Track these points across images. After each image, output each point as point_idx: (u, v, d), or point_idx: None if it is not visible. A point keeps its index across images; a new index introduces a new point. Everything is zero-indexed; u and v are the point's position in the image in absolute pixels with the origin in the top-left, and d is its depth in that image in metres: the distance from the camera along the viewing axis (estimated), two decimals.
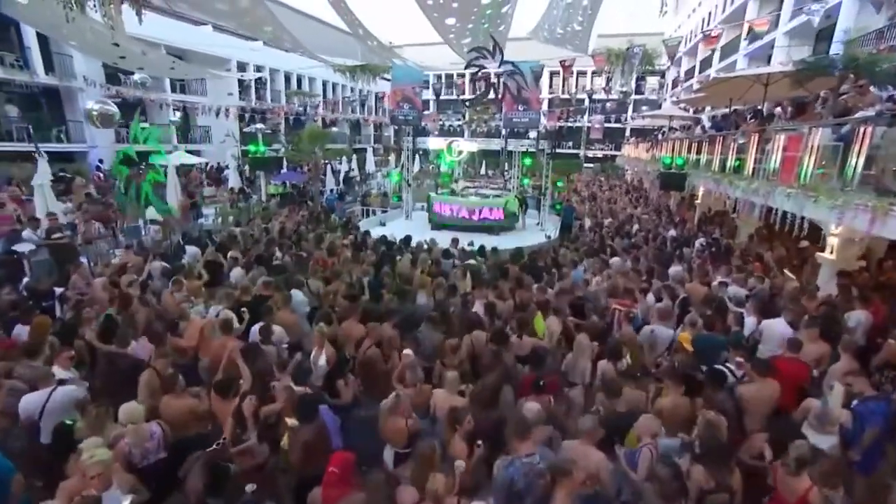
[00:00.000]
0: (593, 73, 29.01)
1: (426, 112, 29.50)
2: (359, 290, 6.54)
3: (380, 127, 40.34)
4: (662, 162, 10.86)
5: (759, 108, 10.21)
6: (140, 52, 9.04)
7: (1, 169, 13.99)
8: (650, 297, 6.50)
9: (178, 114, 23.26)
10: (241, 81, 24.78)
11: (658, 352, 5.21)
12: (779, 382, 4.39)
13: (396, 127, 16.36)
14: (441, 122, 22.01)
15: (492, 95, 11.77)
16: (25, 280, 7.44)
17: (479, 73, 10.64)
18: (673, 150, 14.62)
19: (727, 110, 14.39)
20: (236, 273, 7.11)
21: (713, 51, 19.93)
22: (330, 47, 21.13)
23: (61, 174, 15.54)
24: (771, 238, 9.38)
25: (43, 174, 13.48)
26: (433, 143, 12.40)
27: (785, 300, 6.26)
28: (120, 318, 5.46)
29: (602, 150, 38.26)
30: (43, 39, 16.12)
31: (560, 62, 16.35)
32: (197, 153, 22.31)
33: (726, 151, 9.93)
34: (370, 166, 26.82)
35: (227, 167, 17.97)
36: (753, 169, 7.98)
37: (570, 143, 39.22)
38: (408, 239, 9.30)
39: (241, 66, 24.86)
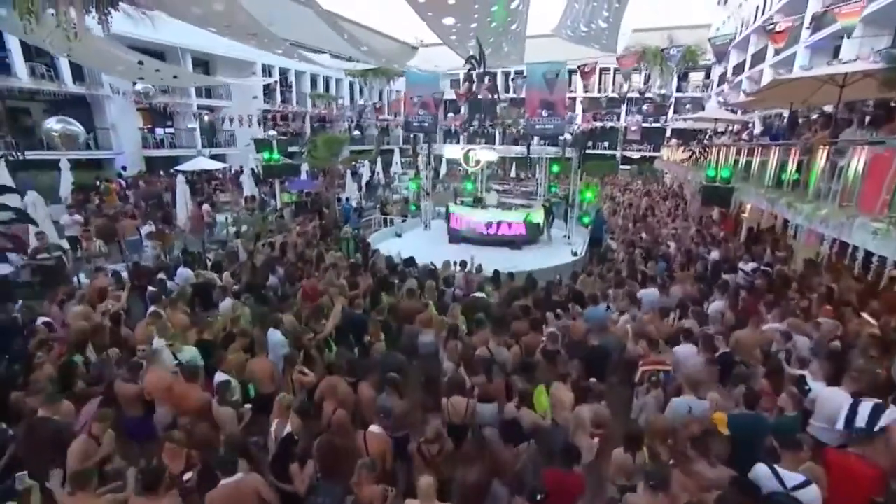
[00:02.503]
0: (633, 69, 26.91)
1: (450, 115, 28.66)
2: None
3: None
4: (706, 174, 9.48)
5: (829, 112, 8.65)
6: (136, 62, 8.76)
7: (28, 177, 14.26)
8: (686, 348, 5.38)
9: (207, 118, 23.55)
10: (266, 85, 24.79)
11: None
12: (835, 487, 3.30)
13: (413, 133, 15.62)
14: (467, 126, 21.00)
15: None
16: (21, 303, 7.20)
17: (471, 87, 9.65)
18: (718, 156, 13.09)
19: (784, 111, 12.72)
20: (225, 304, 6.50)
21: (769, 44, 17.91)
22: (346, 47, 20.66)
23: (97, 182, 15.87)
24: (838, 265, 7.87)
25: (65, 183, 13.68)
26: (449, 151, 11.53)
27: (853, 357, 4.99)
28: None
29: (640, 150, 36.10)
30: None
31: (579, 67, 14.96)
32: (222, 157, 22.49)
33: (784, 163, 8.48)
34: (396, 168, 26.25)
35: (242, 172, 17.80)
36: (820, 189, 6.59)
37: (606, 144, 37.25)
38: (410, 260, 8.48)
39: (267, 70, 24.86)
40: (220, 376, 4.50)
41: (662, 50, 16.91)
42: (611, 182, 28.02)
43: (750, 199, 9.42)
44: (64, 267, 7.51)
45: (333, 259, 8.89)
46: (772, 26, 8.82)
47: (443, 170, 25.25)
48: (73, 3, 4.70)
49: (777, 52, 16.78)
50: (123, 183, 16.63)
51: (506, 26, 7.59)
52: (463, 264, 8.34)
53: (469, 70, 8.59)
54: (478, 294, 6.94)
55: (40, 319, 5.89)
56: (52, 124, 7.33)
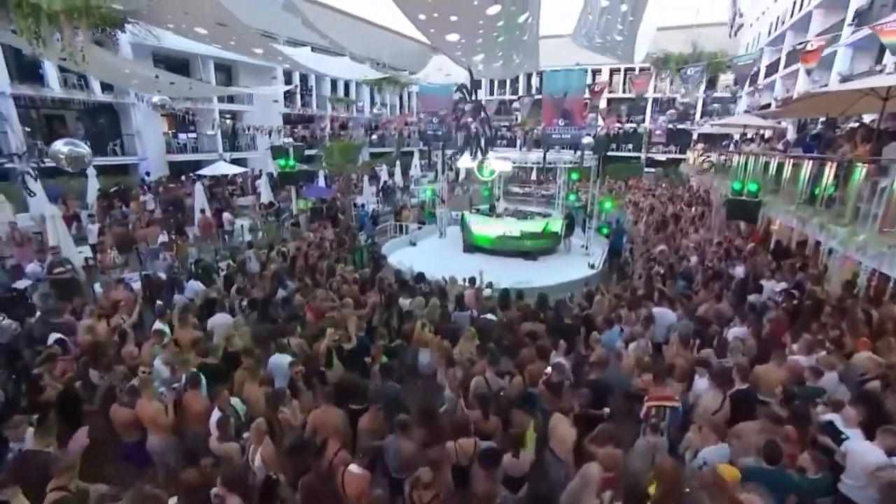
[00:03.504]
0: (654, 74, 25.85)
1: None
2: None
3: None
4: (732, 187, 8.96)
5: (869, 123, 8.01)
6: (154, 77, 8.92)
7: (59, 183, 14.76)
8: (702, 382, 5.01)
9: (229, 121, 24.06)
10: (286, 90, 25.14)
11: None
12: None
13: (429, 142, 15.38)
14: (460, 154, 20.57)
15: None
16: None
17: (461, 118, 9.28)
18: (745, 165, 12.40)
19: (821, 118, 11.98)
20: (215, 320, 6.41)
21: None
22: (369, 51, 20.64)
23: (118, 188, 16.36)
24: (880, 293, 7.23)
25: (91, 190, 14.09)
26: (463, 161, 11.30)
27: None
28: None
29: (665, 152, 34.93)
30: None
31: (588, 87, 14.49)
32: (243, 161, 22.89)
33: (819, 171, 7.87)
34: (415, 171, 26.13)
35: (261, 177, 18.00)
36: (857, 210, 6.06)
37: (630, 146, 36.17)
38: (420, 277, 8.30)
39: (287, 74, 25.18)
40: (216, 413, 4.39)
41: (679, 69, 16.08)
42: (635, 186, 27.15)
43: (779, 216, 8.83)
44: (79, 281, 7.62)
45: (343, 272, 8.75)
46: (802, 45, 8.22)
47: (462, 173, 25.01)
48: (79, 29, 4.73)
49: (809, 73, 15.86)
50: (146, 188, 17.07)
51: (514, 39, 7.30)
52: (472, 281, 8.11)
53: (459, 99, 8.28)
54: (488, 316, 6.70)
55: (53, 337, 5.88)
56: (59, 147, 7.45)
